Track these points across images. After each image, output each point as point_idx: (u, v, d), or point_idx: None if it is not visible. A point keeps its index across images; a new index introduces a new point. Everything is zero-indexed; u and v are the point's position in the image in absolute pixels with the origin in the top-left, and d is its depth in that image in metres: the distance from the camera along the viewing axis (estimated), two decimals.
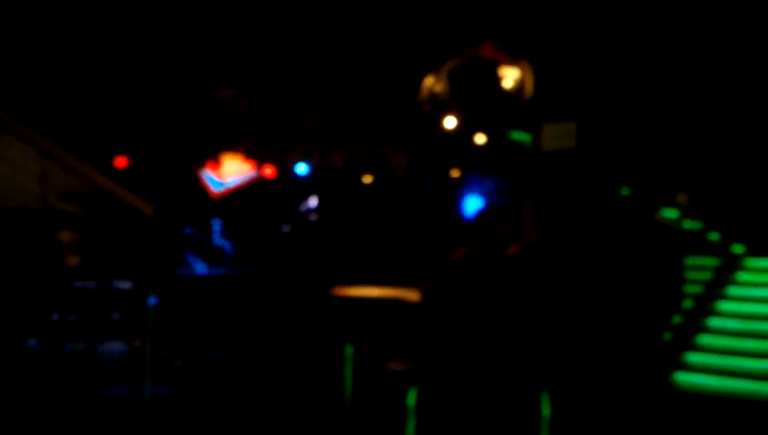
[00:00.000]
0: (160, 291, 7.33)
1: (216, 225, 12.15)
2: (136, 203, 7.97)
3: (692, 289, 8.76)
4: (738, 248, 9.39)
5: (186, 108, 13.26)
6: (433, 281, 5.17)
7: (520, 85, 10.91)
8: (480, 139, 11.16)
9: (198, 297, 9.03)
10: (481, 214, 4.92)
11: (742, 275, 8.90)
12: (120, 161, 12.21)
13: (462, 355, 4.83)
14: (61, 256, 7.05)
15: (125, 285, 7.89)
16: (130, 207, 7.91)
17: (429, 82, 11.49)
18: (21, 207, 7.41)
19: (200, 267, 10.15)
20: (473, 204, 10.72)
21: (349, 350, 6.55)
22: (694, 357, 7.78)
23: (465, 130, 11.15)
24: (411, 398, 5.27)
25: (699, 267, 9.09)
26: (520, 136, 11.01)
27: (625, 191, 9.86)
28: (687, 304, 8.55)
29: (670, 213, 9.92)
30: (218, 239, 11.94)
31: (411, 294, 7.53)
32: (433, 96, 11.45)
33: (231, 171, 13.82)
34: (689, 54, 10.59)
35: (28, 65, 11.61)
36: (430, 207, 11.69)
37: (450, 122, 11.09)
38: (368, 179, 12.88)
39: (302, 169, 12.76)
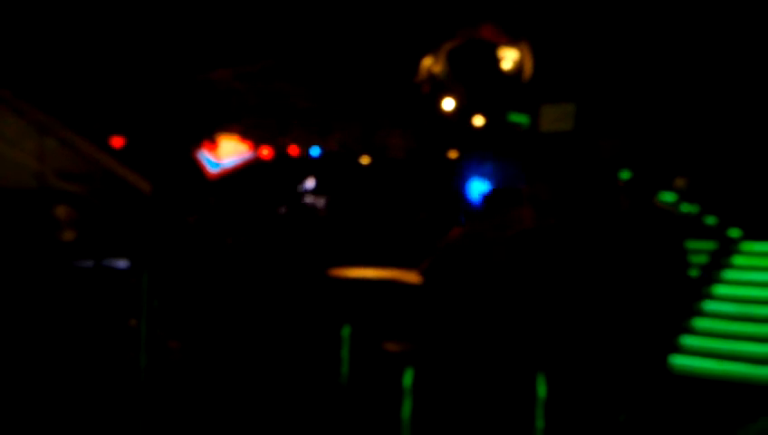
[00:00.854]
0: (157, 270, 7.31)
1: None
2: (134, 181, 7.92)
3: (691, 272, 8.78)
4: (735, 232, 9.40)
5: (182, 88, 13.19)
6: (430, 261, 5.18)
7: (519, 67, 10.86)
8: (478, 120, 11.12)
9: (196, 277, 9.01)
10: (487, 196, 4.90)
11: (738, 259, 8.92)
12: (117, 141, 12.15)
13: (458, 336, 4.84)
14: (56, 231, 7.02)
15: (121, 264, 7.87)
16: (128, 184, 7.86)
17: (428, 62, 11.43)
18: (19, 188, 7.37)
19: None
20: (474, 186, 10.70)
21: (346, 331, 6.55)
22: (690, 340, 7.80)
23: (463, 112, 11.12)
24: (407, 378, 5.28)
25: (696, 251, 9.10)
26: (518, 118, 10.98)
27: (624, 175, 9.85)
28: (685, 286, 8.56)
29: (668, 196, 9.91)
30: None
31: (408, 276, 7.54)
32: (431, 77, 11.39)
33: (228, 152, 13.78)
34: (688, 38, 10.54)
35: (27, 43, 11.52)
36: (429, 189, 11.68)
37: (448, 104, 11.05)
38: (365, 161, 12.85)
39: (315, 150, 12.74)
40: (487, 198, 4.83)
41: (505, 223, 4.89)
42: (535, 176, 9.52)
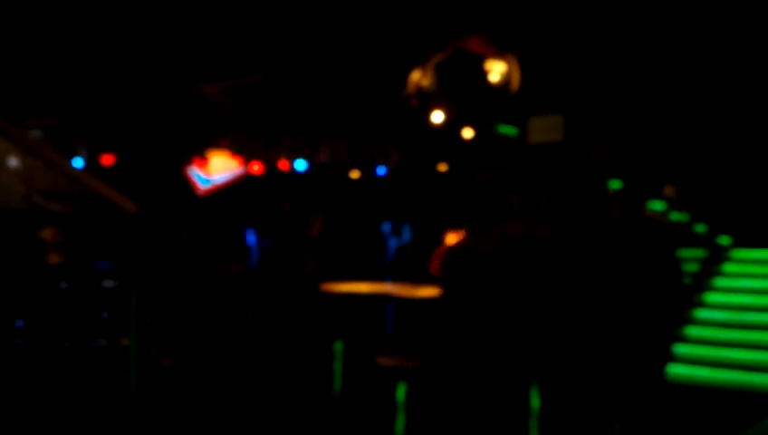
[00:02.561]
0: (146, 289, 7.28)
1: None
2: (119, 201, 7.89)
3: (684, 281, 8.79)
4: (725, 240, 9.43)
5: (171, 104, 13.18)
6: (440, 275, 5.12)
7: (506, 79, 10.90)
8: (468, 133, 11.14)
9: (186, 295, 8.98)
10: (472, 207, 4.88)
11: (729, 267, 8.94)
12: (107, 159, 12.12)
13: (453, 348, 4.81)
14: (42, 255, 6.98)
15: (109, 283, 7.83)
16: (113, 204, 7.83)
17: (416, 76, 11.46)
18: (5, 208, 7.34)
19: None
20: (461, 199, 10.70)
21: (338, 345, 6.53)
22: (682, 348, 7.80)
23: (452, 125, 11.14)
24: (401, 393, 5.25)
25: (686, 259, 9.12)
26: (507, 130, 11.00)
27: (614, 184, 9.88)
28: (677, 295, 8.57)
29: (657, 205, 9.94)
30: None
31: (400, 290, 7.51)
32: (420, 90, 11.42)
33: (218, 168, 13.76)
34: (675, 47, 10.61)
35: (14, 63, 11.50)
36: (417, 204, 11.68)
37: (437, 117, 11.08)
38: (355, 175, 12.85)
39: (300, 165, 12.71)
40: (476, 210, 4.82)
41: (497, 235, 4.88)
42: (525, 187, 9.53)
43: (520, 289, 4.69)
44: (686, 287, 7.96)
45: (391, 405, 5.37)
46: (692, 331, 8.05)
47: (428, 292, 6.45)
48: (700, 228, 9.76)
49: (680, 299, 7.28)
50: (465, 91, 11.11)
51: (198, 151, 13.56)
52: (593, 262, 5.18)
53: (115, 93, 12.61)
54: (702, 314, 8.27)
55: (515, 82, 10.87)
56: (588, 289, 5.37)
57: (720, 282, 8.72)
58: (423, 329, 5.96)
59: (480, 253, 4.74)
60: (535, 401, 4.92)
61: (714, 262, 9.04)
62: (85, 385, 6.74)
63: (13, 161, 7.12)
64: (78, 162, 11.84)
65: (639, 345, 6.79)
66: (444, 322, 4.99)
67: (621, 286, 5.50)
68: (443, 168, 11.83)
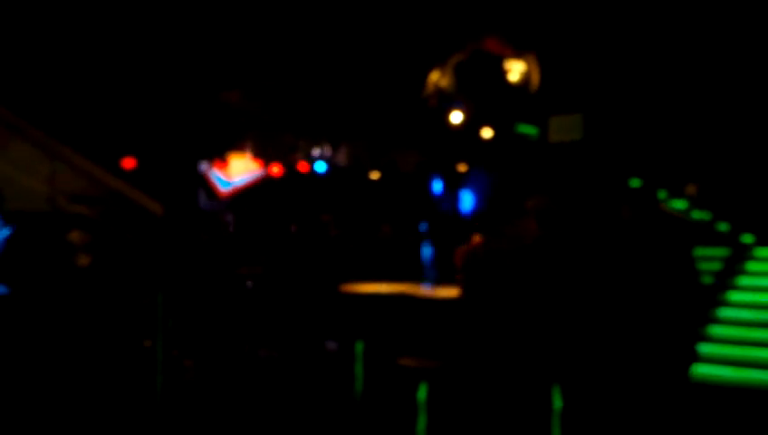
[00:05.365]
0: (171, 290, 7.34)
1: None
2: (145, 202, 7.97)
3: (703, 280, 8.72)
4: (748, 238, 9.34)
5: (193, 108, 13.28)
6: (463, 278, 5.13)
7: (526, 78, 10.88)
8: (487, 133, 11.13)
9: (208, 296, 9.04)
10: (491, 210, 4.89)
11: (752, 265, 8.86)
12: (129, 162, 12.24)
13: (475, 348, 4.82)
14: (71, 257, 7.06)
15: (135, 285, 7.89)
16: (140, 206, 7.91)
17: (435, 76, 11.46)
18: (31, 211, 7.43)
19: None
20: (475, 200, 10.70)
21: (359, 346, 6.55)
22: (706, 348, 7.75)
23: (471, 125, 11.13)
24: (422, 393, 5.26)
25: (709, 258, 9.05)
26: (527, 129, 10.98)
27: (635, 183, 9.82)
28: (699, 294, 8.51)
29: (679, 204, 9.88)
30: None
31: (421, 290, 7.52)
32: (439, 91, 11.42)
33: (238, 170, 13.86)
34: (697, 45, 10.53)
35: (37, 67, 11.64)
36: (437, 204, 11.68)
37: (457, 117, 11.07)
38: (375, 176, 12.88)
39: (320, 166, 12.72)
40: (493, 210, 4.83)
41: (518, 235, 4.88)
42: (544, 186, 9.51)
43: (536, 289, 4.69)
44: (701, 285, 7.90)
45: (413, 406, 5.38)
46: (716, 330, 7.99)
47: (449, 293, 6.45)
48: (723, 227, 9.68)
49: (696, 296, 7.23)
50: (485, 92, 11.11)
51: (219, 154, 13.67)
52: (608, 261, 5.17)
53: (138, 98, 12.73)
54: (726, 312, 8.21)
55: (535, 81, 10.85)
56: (602, 287, 5.35)
57: (743, 280, 8.65)
58: (444, 330, 5.96)
59: (495, 254, 4.75)
60: (557, 402, 4.92)
61: (737, 260, 8.96)
62: (109, 387, 6.80)
63: (38, 165, 7.22)
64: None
65: (659, 344, 6.75)
66: (464, 322, 5.00)
67: (636, 284, 5.48)
68: (462, 168, 11.83)
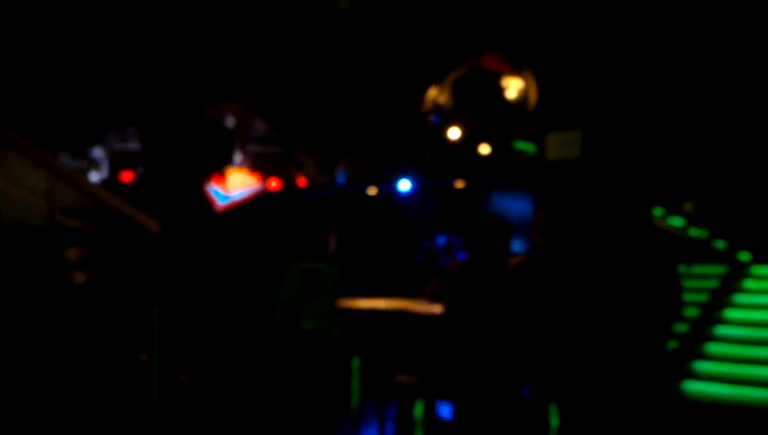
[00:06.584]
0: (166, 303, 7.33)
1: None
2: (141, 219, 7.97)
3: (698, 297, 8.72)
4: (744, 256, 9.36)
5: (191, 122, 13.31)
6: (436, 288, 5.15)
7: (523, 95, 10.93)
8: (484, 149, 11.17)
9: (204, 310, 9.02)
10: (478, 226, 4.89)
11: (748, 283, 8.87)
12: (126, 176, 12.27)
13: (468, 365, 4.81)
14: (67, 273, 7.06)
15: (131, 299, 7.88)
16: (136, 223, 7.91)
17: (433, 93, 11.51)
18: (28, 224, 7.42)
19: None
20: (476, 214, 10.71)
21: (355, 362, 6.54)
22: (702, 365, 7.74)
23: (469, 141, 11.17)
24: (418, 409, 5.25)
25: (705, 275, 9.06)
26: (524, 146, 11.02)
27: (632, 200, 9.82)
28: (693, 312, 8.52)
29: (676, 221, 9.90)
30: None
31: (419, 306, 7.50)
32: (437, 107, 11.47)
33: (236, 184, 13.88)
34: (693, 62, 10.59)
35: (33, 81, 11.67)
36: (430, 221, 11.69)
37: (454, 133, 11.11)
38: (372, 192, 12.90)
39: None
40: (485, 227, 4.83)
41: (500, 252, 4.88)
42: (542, 203, 9.51)
43: (527, 306, 4.68)
44: (682, 302, 7.91)
45: (409, 422, 5.37)
46: (712, 347, 7.99)
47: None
48: (720, 244, 9.69)
49: (678, 312, 7.23)
50: (482, 108, 11.15)
51: (217, 168, 13.69)
52: (602, 278, 5.17)
53: (135, 112, 12.76)
54: (722, 330, 8.21)
55: (532, 98, 10.89)
56: (599, 306, 5.36)
57: (740, 298, 8.66)
58: (437, 346, 5.95)
59: (471, 273, 4.75)
60: (554, 420, 4.91)
61: (733, 278, 8.97)
62: (104, 401, 6.78)
63: (34, 179, 7.22)
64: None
65: (654, 361, 6.74)
66: (449, 339, 5.00)
67: (632, 302, 5.48)
68: (460, 184, 11.86)
